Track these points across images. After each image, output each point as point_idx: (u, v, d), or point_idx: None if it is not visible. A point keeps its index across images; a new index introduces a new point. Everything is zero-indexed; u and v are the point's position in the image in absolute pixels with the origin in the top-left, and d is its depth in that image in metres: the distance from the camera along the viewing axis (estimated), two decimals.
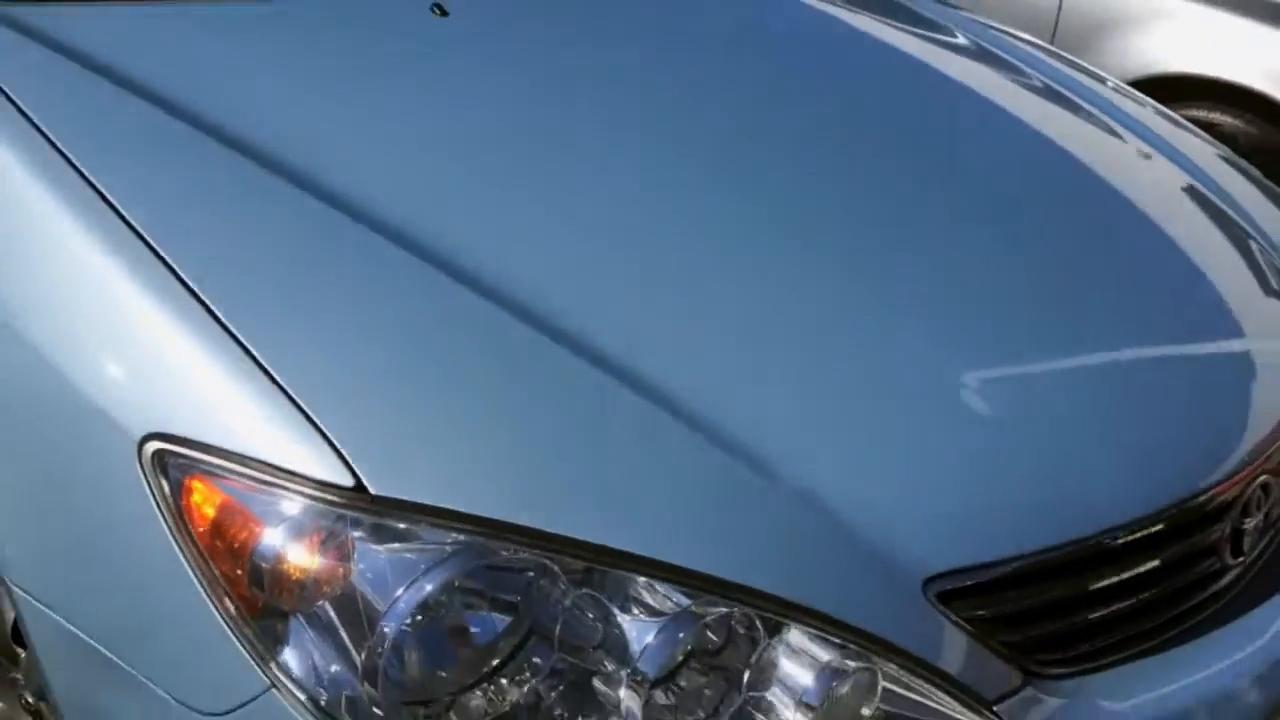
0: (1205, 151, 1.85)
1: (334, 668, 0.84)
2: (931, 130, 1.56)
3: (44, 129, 1.01)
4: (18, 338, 0.94)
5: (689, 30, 1.57)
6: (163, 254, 0.92)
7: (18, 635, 1.26)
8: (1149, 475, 1.08)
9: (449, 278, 0.97)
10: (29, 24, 1.14)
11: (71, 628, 0.92)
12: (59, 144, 0.99)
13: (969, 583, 0.95)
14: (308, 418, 0.84)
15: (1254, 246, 1.55)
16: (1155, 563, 1.06)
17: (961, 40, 1.93)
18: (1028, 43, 2.07)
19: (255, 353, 0.87)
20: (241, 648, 0.84)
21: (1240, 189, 1.73)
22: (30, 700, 1.29)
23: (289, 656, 0.84)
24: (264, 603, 0.84)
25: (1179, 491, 1.08)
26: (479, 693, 0.85)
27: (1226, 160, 1.84)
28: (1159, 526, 1.06)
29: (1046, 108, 1.76)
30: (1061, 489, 1.03)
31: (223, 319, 0.89)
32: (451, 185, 1.12)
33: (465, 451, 0.87)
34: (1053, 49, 2.13)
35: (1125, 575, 1.04)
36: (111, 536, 0.89)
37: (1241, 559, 1.16)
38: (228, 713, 0.85)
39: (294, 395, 0.85)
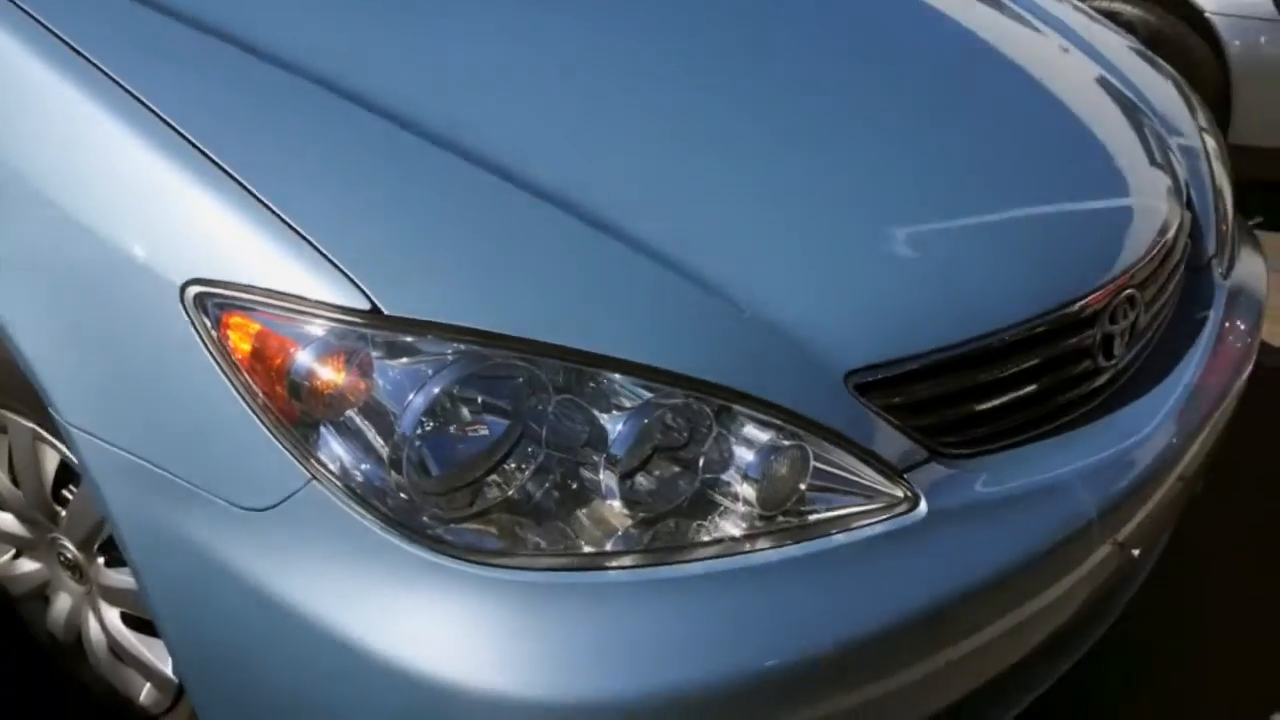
0: (1113, 41, 2.04)
1: (364, 464, 1.01)
2: (871, 28, 1.74)
3: (82, 50, 1.15)
4: (66, 215, 1.09)
5: None
6: (190, 137, 1.08)
7: (57, 496, 1.42)
8: (1034, 284, 1.29)
9: (434, 145, 1.14)
10: None
11: (132, 457, 1.08)
12: (96, 61, 1.14)
13: (882, 376, 1.15)
14: (326, 257, 1.01)
15: (1147, 125, 1.76)
16: (1038, 360, 1.27)
17: None
18: None
19: (275, 207, 1.03)
20: (285, 451, 1.01)
21: (1140, 73, 1.93)
22: (69, 555, 1.45)
23: (325, 455, 1.01)
24: (301, 413, 1.01)
25: (1057, 298, 1.29)
26: (487, 483, 1.03)
27: (1134, 51, 2.04)
28: (1041, 328, 1.27)
29: (971, 5, 1.94)
30: (960, 295, 1.23)
31: (244, 181, 1.05)
32: (445, 74, 1.28)
33: (460, 277, 1.05)
34: None
35: (1013, 370, 1.25)
36: (164, 372, 1.05)
37: (1113, 362, 1.37)
38: (275, 505, 1.02)
39: (312, 239, 1.02)
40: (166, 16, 1.21)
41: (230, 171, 1.05)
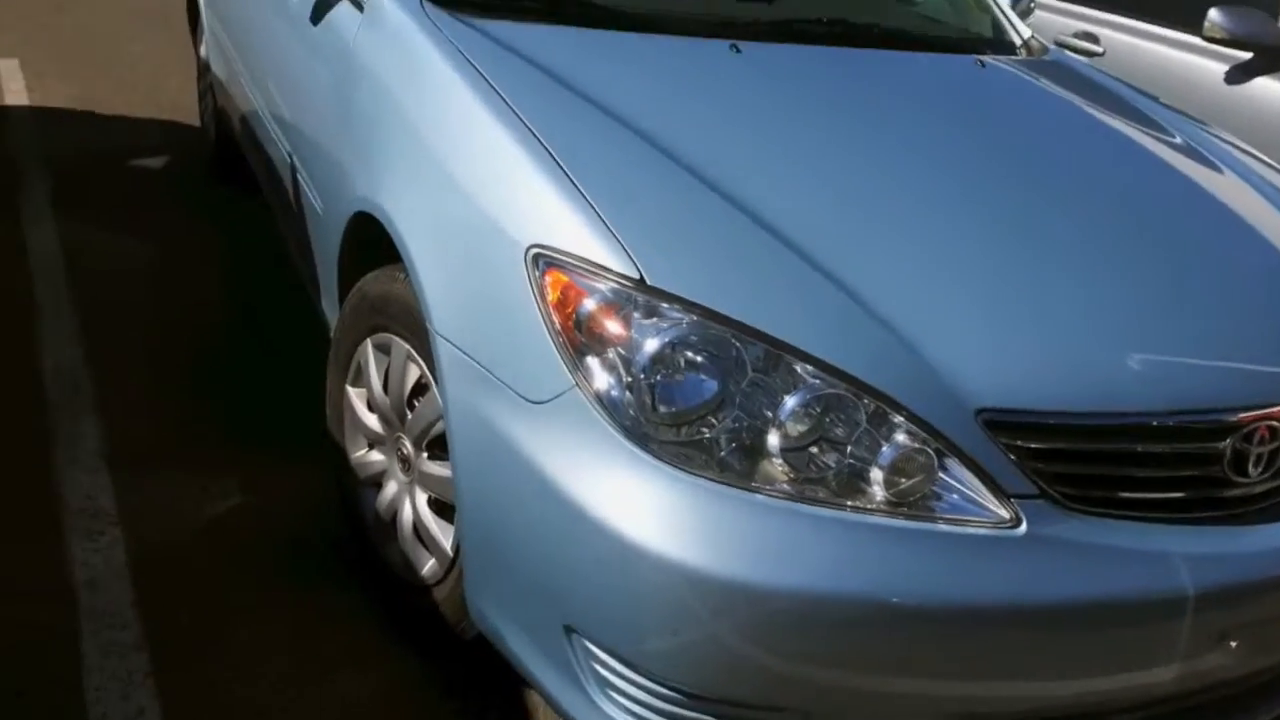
0: None
1: (613, 389, 1.46)
2: (1124, 191, 2.07)
3: (495, 86, 1.75)
4: (469, 196, 1.67)
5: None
6: (556, 157, 1.62)
7: (409, 404, 1.97)
8: (1173, 384, 1.55)
9: (715, 191, 1.61)
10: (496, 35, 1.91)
11: (469, 358, 1.60)
12: (500, 91, 1.74)
13: (1007, 420, 1.45)
14: (619, 240, 1.50)
15: None
16: (1159, 450, 1.51)
17: (1181, 141, 2.38)
18: (1242, 150, 2.46)
19: (594, 204, 1.54)
20: (563, 364, 1.48)
21: None
22: (405, 450, 2.00)
23: (588, 372, 1.47)
24: (580, 342, 1.48)
25: (1192, 403, 1.53)
26: (692, 427, 1.44)
27: None
28: (1168, 424, 1.51)
29: (1203, 173, 2.21)
30: (1098, 373, 1.52)
31: (580, 187, 1.57)
32: (739, 145, 1.81)
33: (707, 274, 1.50)
34: (1247, 148, 2.50)
35: (1134, 450, 1.50)
36: (502, 302, 1.57)
37: (1248, 480, 1.56)
38: (548, 401, 1.49)
39: (612, 228, 1.51)
40: (569, 91, 1.80)
41: (574, 180, 1.57)
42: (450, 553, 1.90)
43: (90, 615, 2.07)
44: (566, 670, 1.53)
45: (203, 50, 4.33)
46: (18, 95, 5.08)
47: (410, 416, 1.97)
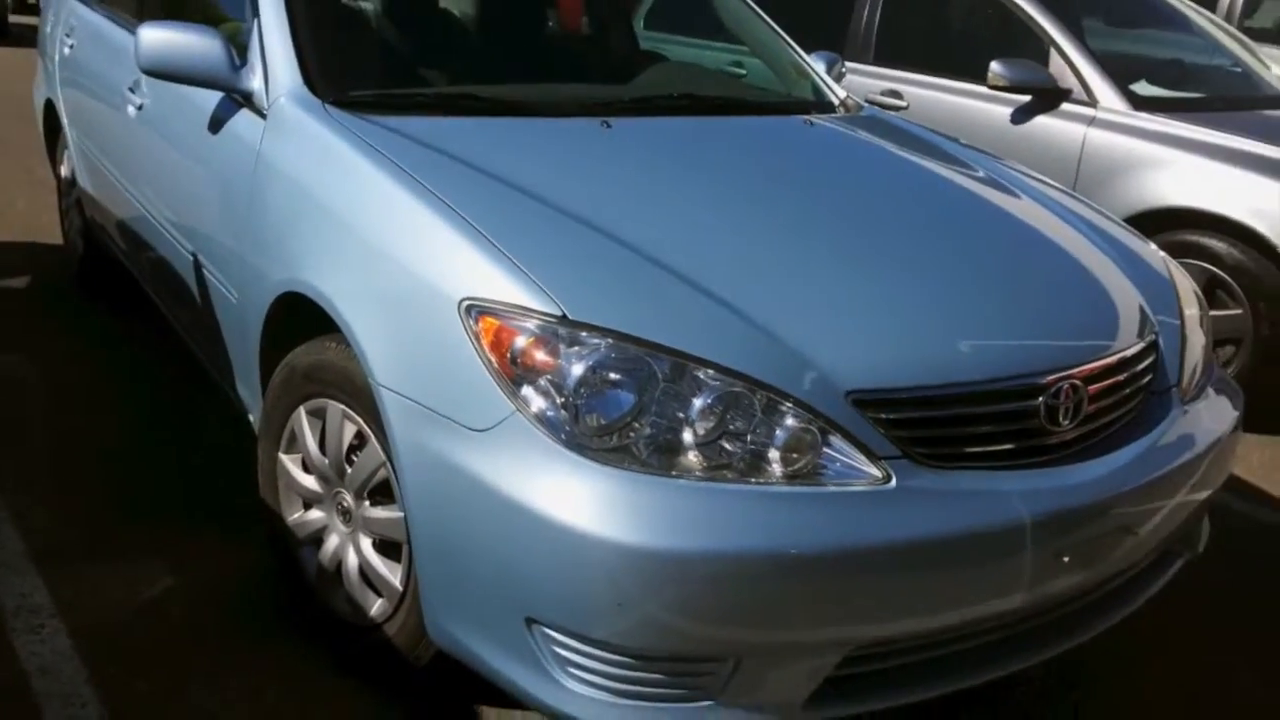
0: (1123, 235, 2.66)
1: (549, 410, 1.73)
2: (931, 204, 2.49)
3: (409, 171, 2.02)
4: (398, 265, 1.93)
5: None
6: (474, 224, 1.90)
7: (347, 459, 2.18)
8: (995, 357, 1.92)
9: (615, 240, 1.92)
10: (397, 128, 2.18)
11: (412, 401, 1.84)
12: (414, 175, 2.01)
13: (870, 398, 1.79)
14: (540, 287, 1.78)
15: (1127, 286, 2.35)
16: (991, 409, 1.88)
17: (980, 172, 2.84)
18: (1031, 176, 2.94)
19: (515, 260, 1.82)
20: (502, 394, 1.74)
21: (1137, 253, 2.55)
22: (345, 503, 2.20)
23: (526, 398, 1.73)
24: (515, 374, 1.75)
25: (1010, 370, 1.91)
26: (617, 434, 1.72)
27: (1141, 244, 2.66)
28: (995, 388, 1.88)
29: (1000, 195, 2.66)
30: (940, 352, 1.89)
31: (499, 246, 1.85)
32: (623, 199, 2.15)
33: (616, 304, 1.79)
34: (1035, 174, 2.98)
35: (970, 413, 1.86)
36: (441, 350, 1.82)
37: (1060, 429, 1.94)
38: (491, 428, 1.74)
39: (534, 278, 1.80)
40: (472, 169, 2.08)
41: (491, 240, 1.86)
42: (400, 587, 2.10)
43: (48, 699, 2.17)
44: (530, 659, 1.76)
45: (64, 169, 4.42)
46: None
47: (350, 470, 2.17)
